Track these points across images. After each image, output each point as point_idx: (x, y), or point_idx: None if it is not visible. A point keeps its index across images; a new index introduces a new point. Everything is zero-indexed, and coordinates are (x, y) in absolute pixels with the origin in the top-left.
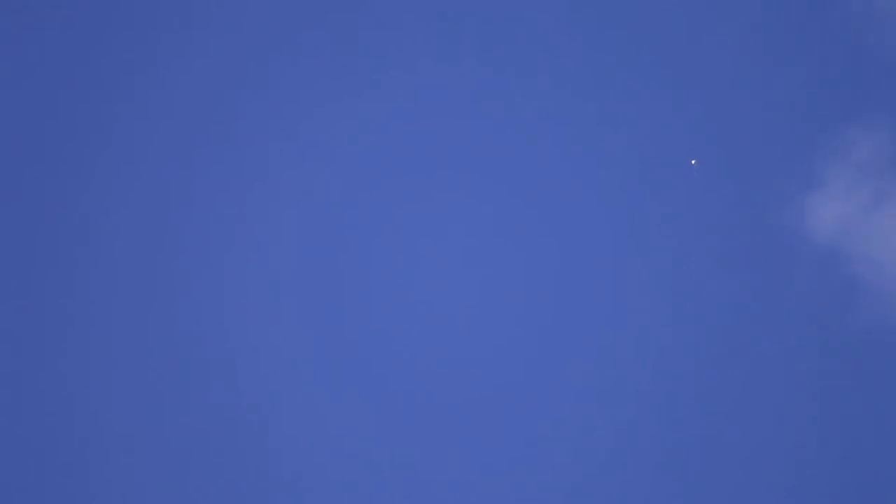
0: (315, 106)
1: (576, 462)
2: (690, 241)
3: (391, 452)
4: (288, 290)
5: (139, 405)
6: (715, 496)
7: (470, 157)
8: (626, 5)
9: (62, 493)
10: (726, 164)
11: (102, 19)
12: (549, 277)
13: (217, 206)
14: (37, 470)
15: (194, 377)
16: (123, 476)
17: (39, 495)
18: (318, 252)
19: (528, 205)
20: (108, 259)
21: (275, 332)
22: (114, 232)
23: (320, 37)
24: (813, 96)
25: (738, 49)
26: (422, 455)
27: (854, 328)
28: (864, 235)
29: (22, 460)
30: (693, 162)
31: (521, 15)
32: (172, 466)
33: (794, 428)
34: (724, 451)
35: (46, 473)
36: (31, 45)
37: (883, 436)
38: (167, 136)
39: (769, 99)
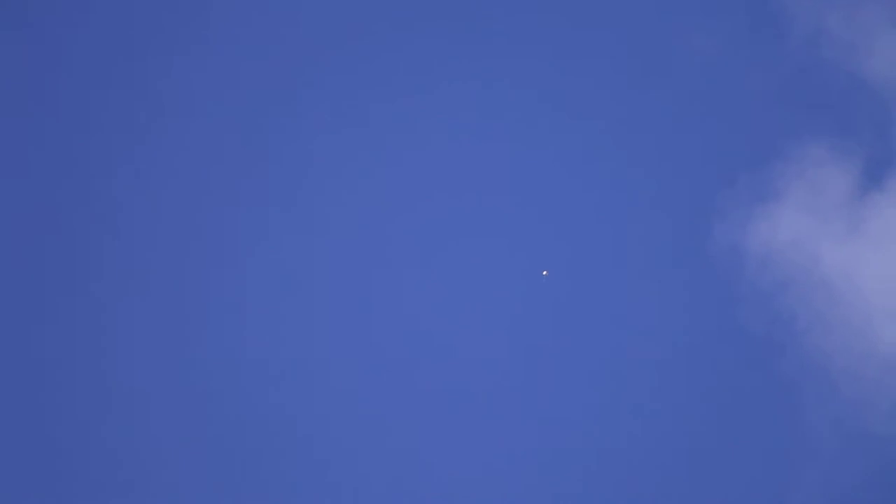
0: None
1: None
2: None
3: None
4: (302, 291)
5: (154, 406)
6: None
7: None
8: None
9: (69, 493)
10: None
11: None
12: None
13: (221, 209)
14: (43, 469)
15: (204, 380)
16: (134, 475)
17: (44, 495)
18: (321, 255)
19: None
20: (120, 260)
21: (285, 336)
22: (127, 233)
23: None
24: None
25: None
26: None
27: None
28: (810, 259)
29: (28, 461)
30: (545, 273)
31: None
32: (182, 466)
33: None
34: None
35: (54, 473)
36: (38, 54)
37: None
38: (175, 139)
39: (731, 108)
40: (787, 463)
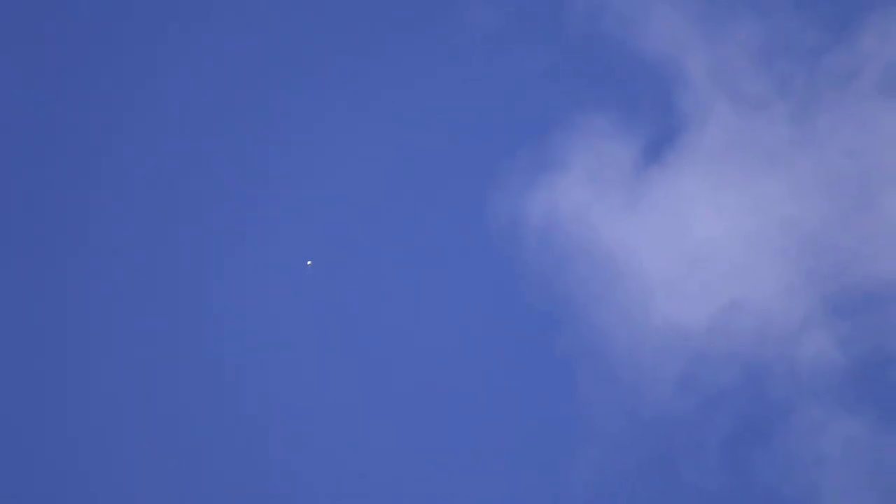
0: None
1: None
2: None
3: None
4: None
5: (144, 406)
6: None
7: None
8: None
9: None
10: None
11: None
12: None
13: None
14: (38, 470)
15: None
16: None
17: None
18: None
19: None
20: (111, 261)
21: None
22: (116, 234)
23: None
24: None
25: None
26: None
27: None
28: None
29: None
30: (308, 263)
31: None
32: (174, 467)
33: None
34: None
35: (48, 474)
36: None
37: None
38: (167, 139)
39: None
40: (567, 441)
